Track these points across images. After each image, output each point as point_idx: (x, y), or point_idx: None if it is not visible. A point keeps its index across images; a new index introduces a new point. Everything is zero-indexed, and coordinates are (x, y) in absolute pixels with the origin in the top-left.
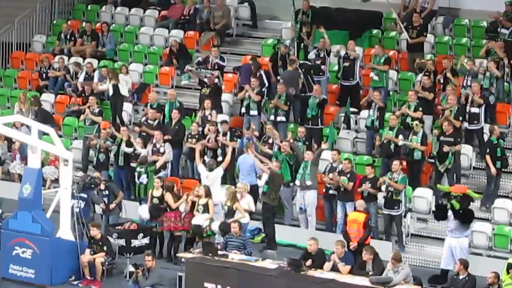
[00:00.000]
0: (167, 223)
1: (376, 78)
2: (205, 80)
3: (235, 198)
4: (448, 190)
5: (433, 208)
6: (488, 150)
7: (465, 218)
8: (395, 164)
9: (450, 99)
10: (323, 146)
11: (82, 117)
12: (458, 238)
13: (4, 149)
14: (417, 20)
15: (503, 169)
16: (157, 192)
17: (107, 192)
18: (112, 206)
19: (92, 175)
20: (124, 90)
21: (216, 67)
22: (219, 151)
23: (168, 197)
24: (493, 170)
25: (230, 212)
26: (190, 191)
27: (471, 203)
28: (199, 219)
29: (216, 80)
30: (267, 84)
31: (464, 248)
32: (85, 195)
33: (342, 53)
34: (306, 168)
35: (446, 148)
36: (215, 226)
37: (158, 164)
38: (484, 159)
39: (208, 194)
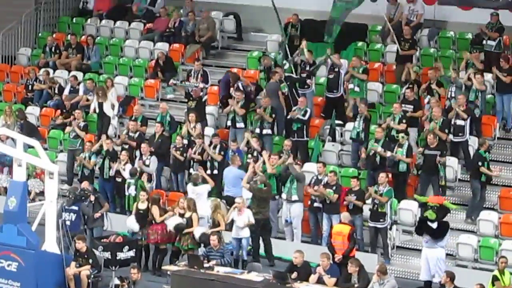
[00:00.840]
0: (153, 236)
1: (357, 89)
2: (192, 93)
3: (218, 209)
4: (425, 201)
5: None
6: (479, 163)
7: (438, 230)
8: (382, 176)
9: (435, 111)
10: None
11: (67, 129)
12: (433, 249)
13: None
14: (408, 33)
15: (489, 182)
16: (142, 205)
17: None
18: (97, 215)
19: (81, 187)
20: (108, 111)
21: (201, 80)
22: (208, 164)
23: (155, 210)
24: (496, 172)
25: (215, 224)
26: (175, 204)
27: (448, 214)
28: (171, 221)
29: (201, 93)
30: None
31: (440, 259)
32: (76, 208)
33: (328, 65)
34: (293, 182)
35: (437, 159)
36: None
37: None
38: (470, 172)
39: (192, 208)
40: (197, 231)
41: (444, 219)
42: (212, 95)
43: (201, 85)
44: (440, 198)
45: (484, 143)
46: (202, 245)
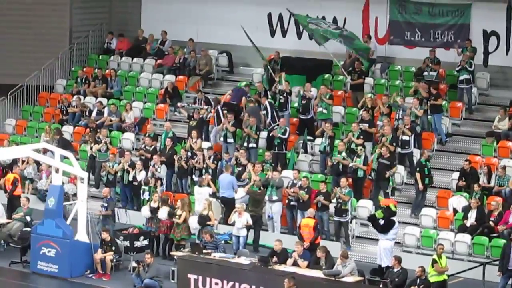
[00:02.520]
0: (163, 228)
1: (325, 111)
2: (193, 115)
3: (209, 208)
4: (379, 202)
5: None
6: (418, 169)
7: (384, 226)
8: (343, 181)
9: (385, 129)
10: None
11: (94, 147)
12: (382, 241)
13: (34, 170)
14: (358, 66)
15: (429, 185)
16: (154, 204)
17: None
18: (108, 212)
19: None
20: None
21: (204, 104)
22: (203, 171)
23: (164, 208)
24: (420, 186)
25: (203, 218)
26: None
27: (392, 214)
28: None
29: (204, 114)
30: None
31: (386, 248)
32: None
33: (301, 93)
34: (273, 187)
35: (387, 174)
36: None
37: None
38: (414, 177)
39: (209, 208)
40: (192, 220)
41: (391, 218)
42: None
43: (205, 106)
44: (389, 201)
45: (423, 153)
46: (199, 226)
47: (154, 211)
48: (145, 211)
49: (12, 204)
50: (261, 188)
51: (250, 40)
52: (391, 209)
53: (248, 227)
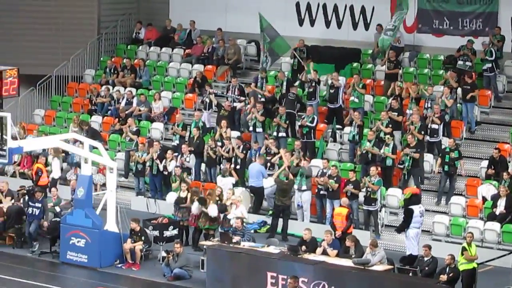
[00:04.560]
0: (193, 220)
1: (356, 100)
2: (223, 104)
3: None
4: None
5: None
6: (439, 155)
7: (404, 217)
8: (372, 169)
9: (414, 117)
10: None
11: (124, 134)
12: (407, 230)
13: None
14: (393, 56)
15: (449, 172)
16: (183, 194)
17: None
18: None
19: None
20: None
21: (238, 94)
22: (233, 160)
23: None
24: (435, 170)
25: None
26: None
27: (413, 202)
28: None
29: (236, 104)
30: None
31: (409, 236)
32: (39, 204)
33: (329, 81)
34: (303, 176)
35: (406, 151)
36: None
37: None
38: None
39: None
40: (211, 209)
41: (409, 207)
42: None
43: (242, 98)
44: (407, 189)
45: (448, 142)
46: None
47: (181, 201)
48: (171, 196)
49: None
50: (288, 178)
51: (273, 30)
52: (407, 198)
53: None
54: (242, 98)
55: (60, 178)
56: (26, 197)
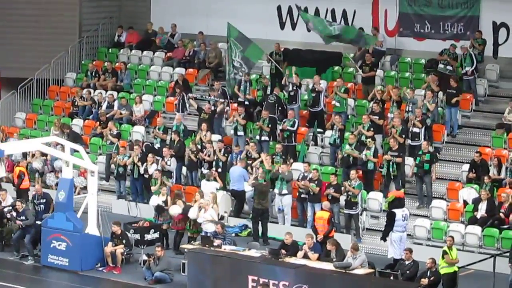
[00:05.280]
0: (180, 224)
1: (338, 104)
2: (203, 108)
3: (214, 201)
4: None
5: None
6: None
7: (387, 221)
8: (352, 173)
9: (395, 121)
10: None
11: (104, 138)
12: (391, 233)
13: (42, 163)
14: (369, 59)
15: (417, 174)
16: (163, 197)
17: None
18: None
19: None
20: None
21: (222, 95)
22: (214, 163)
23: (180, 203)
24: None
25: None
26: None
27: (397, 206)
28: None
29: (217, 107)
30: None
31: (393, 239)
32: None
33: (311, 85)
34: (283, 180)
35: (387, 157)
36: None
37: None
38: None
39: (214, 201)
40: (172, 208)
41: (392, 210)
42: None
43: (221, 100)
44: (392, 193)
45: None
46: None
47: (161, 207)
48: (154, 200)
49: (21, 198)
50: (266, 180)
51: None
52: (390, 201)
53: (213, 222)
54: (222, 100)
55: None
56: (14, 214)
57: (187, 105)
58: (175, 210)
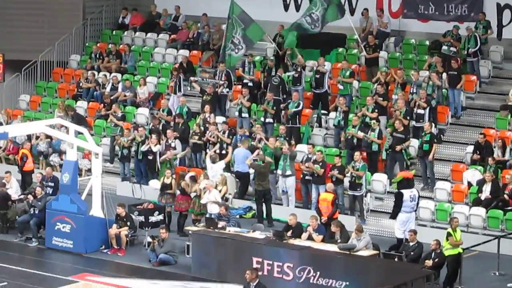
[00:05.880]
0: (184, 205)
1: (341, 87)
2: (206, 89)
3: (223, 183)
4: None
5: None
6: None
7: (395, 198)
8: (356, 154)
9: (399, 103)
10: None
11: (109, 119)
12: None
13: (47, 145)
14: (372, 41)
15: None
16: (167, 180)
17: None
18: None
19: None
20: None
21: (224, 78)
22: (218, 145)
23: (185, 185)
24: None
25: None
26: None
27: (406, 186)
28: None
29: (218, 89)
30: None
31: (400, 220)
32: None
33: (314, 67)
34: (286, 160)
35: (398, 147)
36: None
37: (169, 155)
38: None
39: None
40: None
41: (400, 191)
42: (235, 92)
43: (221, 82)
44: (401, 173)
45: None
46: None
47: (165, 187)
48: (154, 183)
49: (25, 180)
50: (264, 162)
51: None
52: (398, 181)
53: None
54: (221, 82)
55: None
56: (31, 198)
57: (182, 87)
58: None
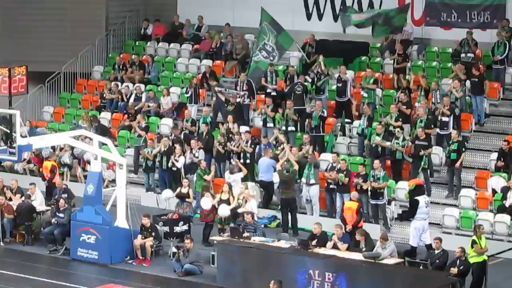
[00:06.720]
0: (210, 216)
1: (365, 94)
2: (230, 99)
3: (244, 192)
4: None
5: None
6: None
7: (409, 209)
8: (376, 163)
9: (419, 111)
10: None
11: (132, 130)
12: (412, 221)
13: (71, 157)
14: (400, 49)
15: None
16: (184, 190)
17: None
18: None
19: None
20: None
21: (246, 89)
22: (241, 155)
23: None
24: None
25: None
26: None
27: (419, 193)
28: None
29: (239, 99)
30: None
31: (416, 228)
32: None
33: (336, 75)
34: (310, 169)
35: (421, 152)
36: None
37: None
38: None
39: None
40: (221, 208)
41: (415, 198)
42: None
43: (242, 93)
44: (412, 181)
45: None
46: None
47: (183, 196)
48: (167, 193)
49: (51, 192)
50: (288, 171)
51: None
52: (411, 189)
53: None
54: (242, 93)
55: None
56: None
57: (200, 97)
58: (207, 203)
